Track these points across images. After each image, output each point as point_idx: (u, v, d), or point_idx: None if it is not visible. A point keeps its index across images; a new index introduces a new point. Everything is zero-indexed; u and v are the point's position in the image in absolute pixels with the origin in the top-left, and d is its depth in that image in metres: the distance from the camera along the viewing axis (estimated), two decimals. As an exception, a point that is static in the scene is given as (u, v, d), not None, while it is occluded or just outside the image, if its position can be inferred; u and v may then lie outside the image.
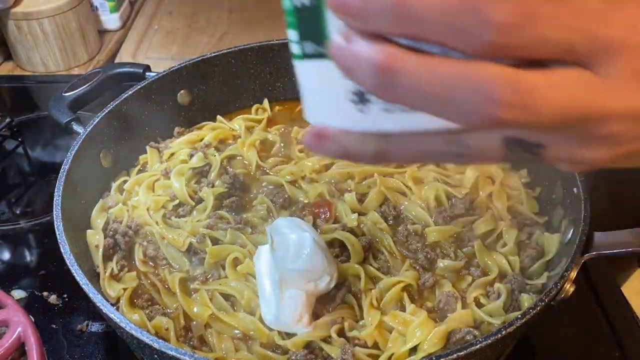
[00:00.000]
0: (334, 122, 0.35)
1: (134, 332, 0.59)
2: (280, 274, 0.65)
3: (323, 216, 0.77)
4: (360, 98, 0.33)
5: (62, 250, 0.67)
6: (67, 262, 0.66)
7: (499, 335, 0.57)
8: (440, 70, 0.29)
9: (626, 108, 0.31)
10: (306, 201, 0.80)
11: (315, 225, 0.76)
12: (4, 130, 1.05)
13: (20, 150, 1.05)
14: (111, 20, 1.35)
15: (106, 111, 0.84)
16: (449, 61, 0.29)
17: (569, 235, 0.69)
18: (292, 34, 0.35)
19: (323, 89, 0.35)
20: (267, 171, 0.86)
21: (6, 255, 0.90)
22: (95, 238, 0.76)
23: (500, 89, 0.29)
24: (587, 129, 0.32)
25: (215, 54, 0.93)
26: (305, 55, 0.35)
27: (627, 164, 0.36)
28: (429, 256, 0.72)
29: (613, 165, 0.35)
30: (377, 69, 0.30)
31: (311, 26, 0.34)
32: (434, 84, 0.29)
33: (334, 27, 0.32)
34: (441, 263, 0.72)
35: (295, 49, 0.35)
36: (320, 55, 0.34)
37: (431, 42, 0.30)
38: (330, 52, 0.32)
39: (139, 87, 0.88)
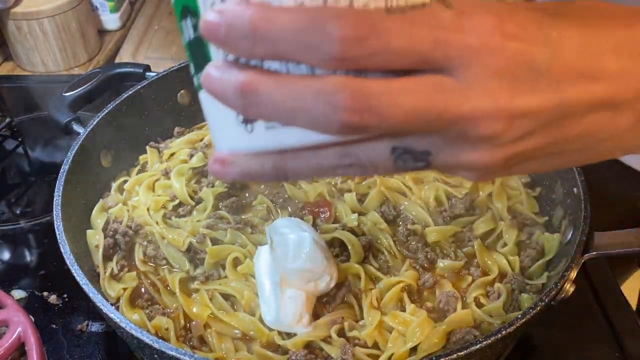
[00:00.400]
0: (232, 145, 0.37)
1: (134, 332, 0.59)
2: (280, 274, 0.65)
3: (323, 216, 0.77)
4: (245, 120, 0.36)
5: (62, 250, 0.67)
6: (67, 262, 0.66)
7: (499, 335, 0.57)
8: (291, 85, 0.32)
9: (489, 108, 0.33)
10: (306, 201, 0.80)
11: (315, 225, 0.76)
12: (3, 130, 1.05)
13: (20, 150, 1.05)
14: (111, 20, 1.35)
15: (106, 111, 0.84)
16: (301, 77, 0.32)
17: (569, 235, 0.69)
18: (191, 67, 0.38)
19: (219, 116, 0.37)
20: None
21: (6, 255, 0.90)
22: (95, 238, 0.76)
23: (341, 96, 0.31)
24: (459, 132, 0.33)
25: (215, 53, 0.93)
26: (199, 86, 0.37)
27: (525, 168, 0.38)
28: (429, 256, 0.72)
29: (512, 171, 0.37)
30: (239, 91, 0.33)
31: (201, 58, 0.36)
32: (287, 97, 0.32)
33: (217, 57, 0.35)
34: (441, 263, 0.72)
35: (195, 80, 0.38)
36: None
37: (290, 60, 0.32)
38: (202, 82, 0.34)
39: (139, 87, 0.88)
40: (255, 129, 0.35)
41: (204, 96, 0.38)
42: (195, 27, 0.36)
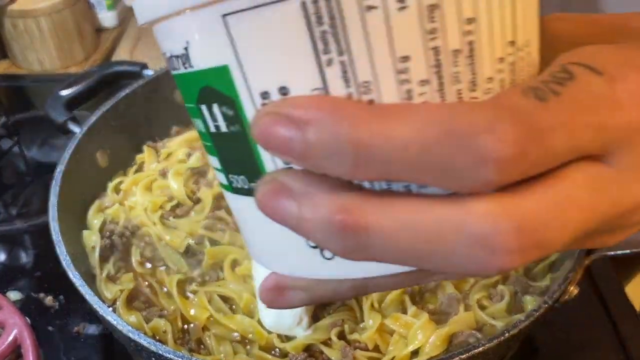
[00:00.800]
0: (295, 271, 0.27)
1: (130, 335, 0.58)
2: (280, 276, 0.65)
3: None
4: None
5: (58, 252, 0.66)
6: (63, 263, 0.65)
7: (502, 338, 0.57)
8: (419, 219, 0.22)
9: None
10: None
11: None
12: (-1, 129, 1.04)
13: (16, 149, 1.05)
14: (108, 18, 1.34)
15: (103, 110, 0.83)
16: (430, 204, 0.22)
17: (573, 236, 0.68)
18: (214, 161, 0.27)
19: (270, 231, 0.26)
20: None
21: (2, 257, 0.90)
22: (92, 239, 0.75)
23: (501, 236, 0.21)
24: (613, 225, 0.26)
25: (213, 52, 0.92)
26: (235, 190, 0.27)
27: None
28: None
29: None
30: (336, 230, 0.22)
31: (237, 155, 0.25)
32: (415, 238, 0.22)
33: (270, 163, 0.24)
34: (443, 264, 0.71)
35: (220, 178, 0.28)
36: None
37: (407, 182, 0.23)
38: (259, 203, 0.23)
39: (136, 85, 0.87)
40: (337, 258, 0.25)
41: (236, 199, 0.27)
42: (228, 119, 0.25)
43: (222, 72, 0.23)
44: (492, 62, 0.23)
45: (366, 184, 0.23)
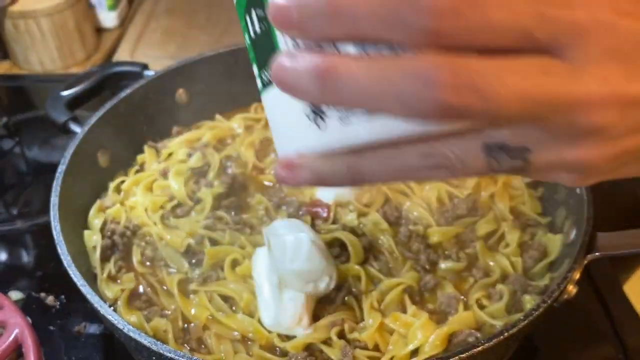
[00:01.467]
0: (300, 146, 0.34)
1: (131, 334, 0.59)
2: (279, 276, 0.65)
3: (323, 215, 0.77)
4: (315, 114, 0.32)
5: (59, 251, 0.67)
6: (65, 263, 0.65)
7: (501, 337, 0.57)
8: (379, 66, 0.28)
9: (604, 93, 0.29)
10: (304, 201, 0.79)
11: (313, 226, 0.75)
12: (0, 129, 1.04)
13: (17, 149, 1.05)
14: (109, 18, 1.34)
15: (104, 110, 0.83)
16: (389, 57, 0.28)
17: (572, 236, 0.68)
18: (254, 69, 0.35)
19: (283, 115, 0.34)
20: (265, 171, 0.85)
21: (3, 257, 0.90)
22: (93, 239, 0.75)
23: (441, 72, 0.27)
24: (567, 122, 0.29)
25: (214, 52, 0.93)
26: (264, 85, 0.35)
27: (630, 171, 0.33)
28: (430, 258, 0.71)
29: (616, 174, 0.33)
30: (317, 77, 0.29)
31: (268, 53, 0.33)
32: (374, 80, 0.28)
33: (284, 48, 0.32)
34: (443, 264, 0.71)
35: (258, 83, 0.35)
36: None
37: (373, 40, 0.29)
38: (272, 74, 0.31)
39: (136, 86, 0.87)
40: (329, 125, 0.32)
41: (268, 97, 0.35)
42: (261, 20, 0.33)
43: None
44: None
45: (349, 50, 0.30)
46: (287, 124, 0.34)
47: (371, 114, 0.30)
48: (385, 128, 0.30)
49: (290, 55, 0.30)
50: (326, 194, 0.77)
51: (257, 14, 0.33)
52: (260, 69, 0.35)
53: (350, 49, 0.30)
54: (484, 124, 0.30)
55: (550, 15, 0.28)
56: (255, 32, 0.34)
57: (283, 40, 0.32)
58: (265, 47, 0.33)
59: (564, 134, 0.30)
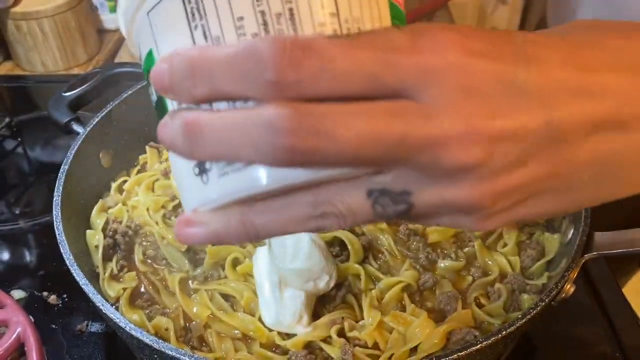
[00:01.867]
0: (192, 202, 0.34)
1: (133, 332, 0.59)
2: (279, 275, 0.65)
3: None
4: (199, 169, 0.33)
5: (61, 251, 0.67)
6: (67, 262, 0.66)
7: (499, 336, 0.57)
8: (233, 117, 0.29)
9: (461, 130, 0.28)
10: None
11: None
12: (3, 130, 1.05)
13: (19, 150, 1.05)
14: (111, 19, 1.35)
15: (106, 111, 0.84)
16: (240, 109, 0.30)
17: (570, 235, 0.69)
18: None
19: (179, 172, 0.35)
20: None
21: (6, 256, 0.90)
22: (95, 238, 0.76)
23: (282, 119, 0.28)
24: (432, 162, 0.29)
25: (215, 53, 0.93)
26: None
27: (534, 210, 0.32)
28: (429, 256, 0.72)
29: (518, 213, 0.32)
30: (184, 132, 0.30)
31: (161, 115, 0.35)
32: (230, 130, 0.29)
33: (170, 109, 0.34)
34: (442, 263, 0.72)
35: None
36: None
37: (232, 96, 0.30)
38: (157, 134, 0.33)
39: (139, 86, 0.88)
40: (210, 179, 0.33)
41: (170, 156, 0.36)
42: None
43: (149, 55, 0.35)
44: (312, 25, 0.31)
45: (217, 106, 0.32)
46: (182, 180, 0.35)
47: (245, 165, 0.31)
48: (258, 179, 0.31)
49: (170, 114, 0.32)
50: None
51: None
52: None
53: (222, 105, 0.31)
54: (360, 171, 0.30)
55: (396, 60, 0.28)
56: (153, 99, 0.36)
57: (169, 102, 0.34)
58: (160, 109, 0.35)
59: (436, 174, 0.29)
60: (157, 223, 0.77)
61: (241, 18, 0.31)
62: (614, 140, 0.31)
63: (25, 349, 0.65)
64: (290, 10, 0.31)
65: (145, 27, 0.35)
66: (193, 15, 0.32)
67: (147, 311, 0.69)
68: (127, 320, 0.60)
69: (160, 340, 0.58)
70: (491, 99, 0.28)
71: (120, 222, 0.78)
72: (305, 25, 0.31)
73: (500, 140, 0.29)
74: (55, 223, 0.69)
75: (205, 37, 0.32)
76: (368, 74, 0.28)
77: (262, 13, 0.31)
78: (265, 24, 0.31)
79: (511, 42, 0.30)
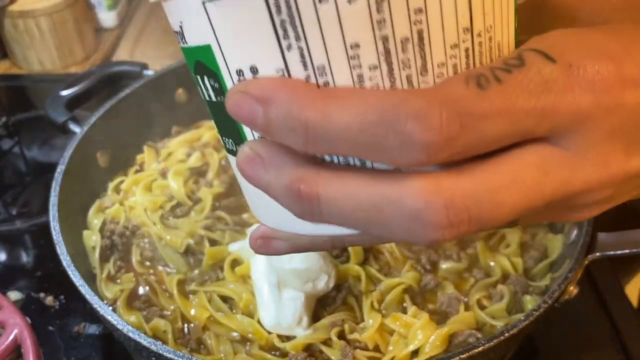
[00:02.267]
0: (280, 226, 0.31)
1: (131, 334, 0.58)
2: (277, 276, 0.65)
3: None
4: None
5: (58, 251, 0.66)
6: (64, 263, 0.65)
7: (502, 338, 0.57)
8: (362, 192, 0.25)
9: (603, 178, 0.27)
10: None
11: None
12: (-1, 129, 1.04)
13: (16, 149, 1.04)
14: (108, 18, 1.34)
15: (103, 110, 0.83)
16: (372, 179, 0.25)
17: (573, 236, 0.68)
18: (214, 124, 0.31)
19: (262, 195, 0.28)
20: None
21: (2, 257, 0.90)
22: (92, 239, 0.75)
23: (431, 212, 0.24)
24: (568, 205, 0.28)
25: (213, 52, 0.92)
26: (228, 151, 0.31)
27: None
28: (431, 258, 0.71)
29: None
30: (293, 195, 0.26)
31: (226, 122, 0.29)
32: (358, 207, 0.25)
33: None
34: (443, 265, 0.71)
35: (223, 143, 0.32)
36: None
37: (347, 156, 0.26)
38: (239, 167, 0.28)
39: (136, 85, 0.87)
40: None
41: (234, 163, 0.31)
42: (215, 90, 0.28)
43: (206, 50, 0.27)
44: (443, 48, 0.25)
45: (327, 158, 0.26)
46: (266, 202, 0.29)
47: None
48: None
49: (259, 156, 0.27)
50: None
51: (209, 82, 0.29)
52: (221, 134, 0.31)
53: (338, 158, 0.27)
54: None
55: (550, 108, 0.25)
56: (208, 97, 0.29)
57: (248, 130, 0.28)
58: (224, 117, 0.29)
59: (562, 210, 0.30)
60: (154, 224, 0.77)
61: (356, 45, 0.24)
62: None
63: (22, 351, 0.65)
64: (420, 33, 0.24)
65: (198, 16, 0.26)
66: (284, 29, 0.24)
67: (145, 313, 0.69)
68: (125, 322, 0.60)
69: (158, 343, 0.58)
70: (632, 137, 0.27)
71: (118, 223, 0.77)
72: (436, 52, 0.25)
73: (631, 178, 0.28)
74: (52, 223, 0.69)
75: (304, 65, 0.25)
76: (521, 131, 0.25)
77: (385, 39, 0.24)
78: (387, 53, 0.24)
79: None
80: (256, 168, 0.27)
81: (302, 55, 0.25)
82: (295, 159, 0.26)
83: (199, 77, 0.29)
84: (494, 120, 0.24)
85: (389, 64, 0.25)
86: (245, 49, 0.25)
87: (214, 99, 0.29)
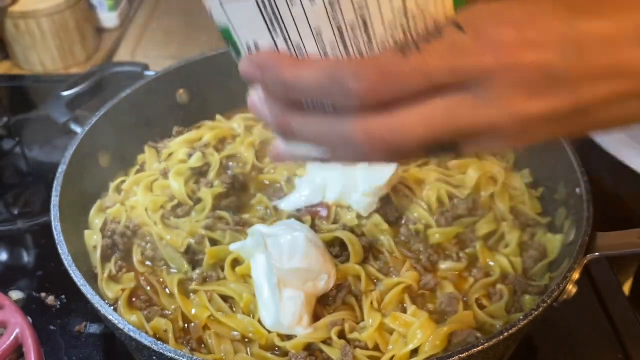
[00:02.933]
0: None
1: (132, 334, 0.59)
2: (277, 276, 0.65)
3: (323, 214, 0.77)
4: None
5: (59, 251, 0.67)
6: (65, 262, 0.65)
7: (501, 337, 0.57)
8: (317, 125, 0.39)
9: (505, 114, 0.35)
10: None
11: (313, 226, 0.75)
12: (0, 129, 1.04)
13: (17, 149, 1.05)
14: (109, 18, 1.34)
15: (104, 110, 0.83)
16: (324, 118, 0.38)
17: (572, 236, 0.68)
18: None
19: None
20: (264, 170, 0.85)
21: (4, 256, 0.90)
22: (93, 238, 0.75)
23: (357, 134, 0.37)
24: (489, 136, 0.37)
25: (214, 52, 0.93)
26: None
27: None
28: (431, 258, 0.71)
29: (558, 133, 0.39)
30: (277, 125, 0.41)
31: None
32: (314, 134, 0.39)
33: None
34: (443, 265, 0.71)
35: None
36: None
37: (314, 99, 0.38)
38: (248, 103, 0.42)
39: (137, 86, 0.87)
40: None
41: None
42: (236, 52, 0.41)
43: (226, 29, 0.40)
44: (382, 27, 0.36)
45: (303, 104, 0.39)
46: None
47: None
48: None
49: (261, 100, 0.41)
50: (329, 194, 0.77)
51: (232, 48, 0.41)
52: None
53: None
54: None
55: (459, 66, 0.35)
56: (233, 55, 0.42)
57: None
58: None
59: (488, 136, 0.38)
60: (155, 223, 0.77)
61: (319, 29, 0.36)
62: (635, 107, 0.38)
63: (24, 349, 0.65)
64: (363, 18, 0.36)
65: (217, 7, 0.39)
66: (272, 21, 0.37)
67: (146, 312, 0.69)
68: (126, 321, 0.60)
69: (159, 342, 0.58)
70: (533, 87, 0.35)
71: (119, 223, 0.77)
72: (377, 30, 0.36)
73: (533, 121, 0.36)
74: (53, 223, 0.69)
75: (287, 43, 0.38)
76: (435, 83, 0.35)
77: (338, 24, 0.36)
78: (341, 34, 0.36)
79: (559, 26, 0.35)
80: (259, 108, 0.41)
81: (284, 38, 0.38)
82: (279, 104, 0.40)
83: (226, 42, 0.41)
84: (411, 75, 0.35)
85: (343, 41, 0.37)
86: (248, 32, 0.39)
87: (234, 57, 0.41)
